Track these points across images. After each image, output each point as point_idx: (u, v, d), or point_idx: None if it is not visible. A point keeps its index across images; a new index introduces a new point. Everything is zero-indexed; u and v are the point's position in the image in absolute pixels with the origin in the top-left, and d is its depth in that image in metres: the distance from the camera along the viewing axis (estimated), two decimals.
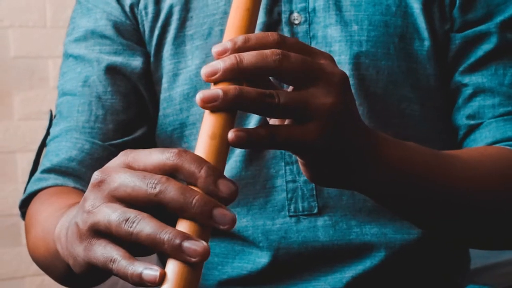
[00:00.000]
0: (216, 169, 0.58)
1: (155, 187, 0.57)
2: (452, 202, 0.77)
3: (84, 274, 0.65)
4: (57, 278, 0.84)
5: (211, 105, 0.60)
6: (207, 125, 0.60)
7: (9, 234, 2.32)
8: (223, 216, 0.56)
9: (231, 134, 0.60)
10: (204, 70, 0.61)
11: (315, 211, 0.91)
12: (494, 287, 0.94)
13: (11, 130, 2.33)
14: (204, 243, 0.56)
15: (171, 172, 0.58)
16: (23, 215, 0.96)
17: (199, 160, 0.58)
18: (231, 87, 0.60)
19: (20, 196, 0.98)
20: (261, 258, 0.92)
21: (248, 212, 0.92)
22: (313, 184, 0.90)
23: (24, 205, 0.96)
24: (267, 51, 0.61)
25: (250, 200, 0.92)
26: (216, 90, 0.60)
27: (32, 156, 1.00)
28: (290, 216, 0.91)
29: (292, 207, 0.91)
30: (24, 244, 2.31)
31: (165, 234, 0.56)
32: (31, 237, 0.88)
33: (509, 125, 0.90)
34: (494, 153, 0.86)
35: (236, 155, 0.92)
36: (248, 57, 0.61)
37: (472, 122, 0.92)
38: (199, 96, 0.60)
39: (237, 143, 0.60)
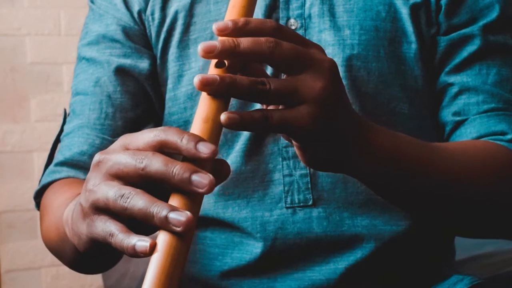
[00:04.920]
0: (196, 135, 0.58)
1: (142, 162, 0.58)
2: (438, 189, 0.77)
3: (88, 252, 0.66)
4: (67, 262, 0.84)
5: (208, 88, 0.60)
6: (201, 110, 0.61)
7: (26, 227, 2.33)
8: (200, 180, 0.57)
9: (223, 116, 0.60)
10: (202, 45, 0.61)
11: (310, 203, 0.91)
12: (477, 277, 0.94)
13: (28, 131, 2.34)
14: (188, 213, 0.56)
15: (160, 148, 0.59)
16: (38, 205, 0.97)
17: (180, 131, 0.58)
18: (226, 75, 0.60)
19: None
20: (258, 249, 0.92)
21: (248, 204, 0.92)
22: (309, 178, 0.91)
23: (39, 196, 0.96)
24: (262, 38, 0.61)
25: (249, 193, 0.92)
26: (213, 75, 0.60)
27: (47, 155, 1.01)
28: (287, 208, 0.91)
29: (288, 199, 0.91)
30: (40, 237, 2.32)
31: (154, 207, 0.56)
32: (44, 225, 0.89)
33: (493, 121, 0.90)
34: (479, 145, 0.86)
35: (236, 151, 0.92)
36: (245, 41, 0.61)
37: (458, 118, 0.92)
38: (197, 78, 0.60)
39: (229, 125, 0.60)
